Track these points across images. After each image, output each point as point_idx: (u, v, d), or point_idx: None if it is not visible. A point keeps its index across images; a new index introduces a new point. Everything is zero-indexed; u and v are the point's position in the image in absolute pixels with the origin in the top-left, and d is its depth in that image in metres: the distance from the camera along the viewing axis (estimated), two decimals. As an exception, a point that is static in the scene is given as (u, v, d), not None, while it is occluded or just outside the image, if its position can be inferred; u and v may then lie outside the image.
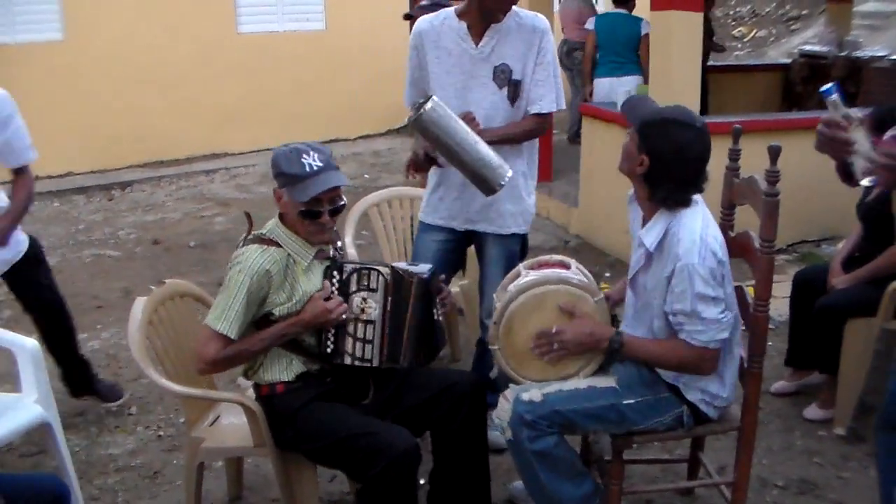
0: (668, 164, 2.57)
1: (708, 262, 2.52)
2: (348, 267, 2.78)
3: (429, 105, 2.96)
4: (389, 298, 2.76)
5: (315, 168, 2.68)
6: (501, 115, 3.33)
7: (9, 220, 3.65)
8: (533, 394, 2.67)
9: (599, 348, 2.67)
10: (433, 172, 3.52)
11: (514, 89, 3.32)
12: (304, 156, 2.69)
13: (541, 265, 2.91)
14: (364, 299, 2.75)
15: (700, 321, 2.54)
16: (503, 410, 2.68)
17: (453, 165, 3.14)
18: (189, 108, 10.03)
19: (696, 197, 2.65)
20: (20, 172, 3.73)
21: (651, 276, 2.66)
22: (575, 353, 2.69)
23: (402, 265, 2.83)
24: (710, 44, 9.78)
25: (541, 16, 3.37)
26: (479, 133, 3.11)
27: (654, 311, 2.67)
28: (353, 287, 2.76)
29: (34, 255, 3.84)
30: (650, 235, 2.62)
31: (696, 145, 2.57)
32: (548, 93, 3.34)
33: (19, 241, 3.77)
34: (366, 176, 9.26)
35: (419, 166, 3.44)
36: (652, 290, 2.66)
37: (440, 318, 2.87)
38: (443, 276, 2.98)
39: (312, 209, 2.70)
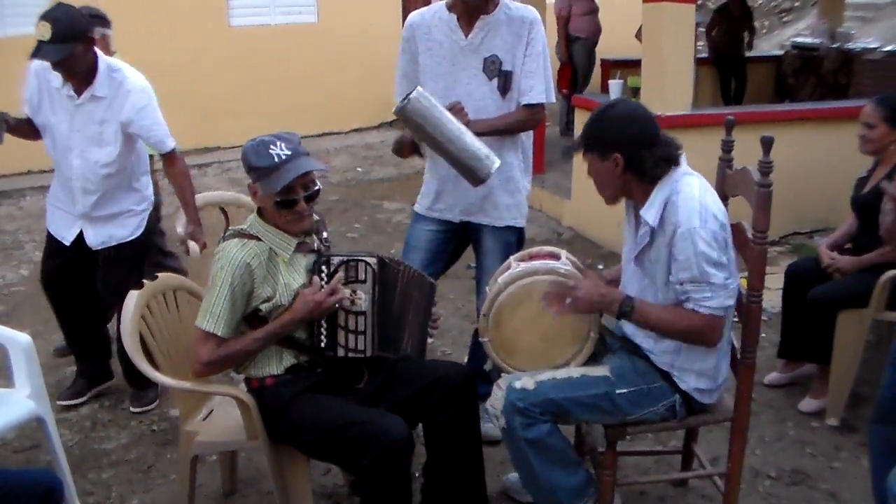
0: (632, 138, 2.60)
1: (710, 225, 2.52)
2: (335, 259, 2.77)
3: (413, 95, 2.95)
4: (377, 287, 2.77)
5: (283, 157, 2.67)
6: (493, 106, 3.32)
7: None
8: (525, 381, 2.67)
9: (610, 310, 2.65)
10: (430, 165, 3.52)
11: (504, 80, 3.31)
12: (272, 147, 2.68)
13: (531, 257, 2.92)
14: (354, 291, 2.75)
15: (708, 286, 2.54)
16: (496, 399, 2.69)
17: (439, 155, 3.12)
18: (181, 101, 9.94)
19: (693, 171, 2.67)
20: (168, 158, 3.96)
21: (654, 249, 2.65)
22: (583, 311, 2.66)
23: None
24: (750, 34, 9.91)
25: (531, 7, 3.36)
26: (468, 124, 3.09)
27: (658, 284, 2.67)
28: (342, 279, 2.76)
29: (129, 252, 3.94)
30: (651, 212, 2.61)
31: (634, 106, 2.69)
32: (538, 83, 3.34)
33: (135, 229, 3.96)
34: (358, 169, 9.25)
35: (403, 153, 3.40)
36: (655, 263, 2.66)
37: (431, 331, 2.91)
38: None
39: (287, 198, 2.69)
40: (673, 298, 2.64)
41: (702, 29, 10.59)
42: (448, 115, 3.01)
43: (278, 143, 2.69)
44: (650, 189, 2.64)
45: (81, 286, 4.03)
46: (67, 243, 3.92)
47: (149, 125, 3.80)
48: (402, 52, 3.45)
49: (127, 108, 3.73)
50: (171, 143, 3.90)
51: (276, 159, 2.66)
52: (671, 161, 2.62)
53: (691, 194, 2.56)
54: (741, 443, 2.81)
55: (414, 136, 3.20)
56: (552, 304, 2.66)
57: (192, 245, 3.92)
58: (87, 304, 4.09)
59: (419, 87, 3.01)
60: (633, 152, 2.59)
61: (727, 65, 9.70)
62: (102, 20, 4.48)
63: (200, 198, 4.16)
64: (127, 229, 3.94)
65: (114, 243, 3.91)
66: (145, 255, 4.04)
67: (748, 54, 9.83)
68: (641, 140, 2.60)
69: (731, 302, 2.60)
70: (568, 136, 9.08)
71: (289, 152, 2.68)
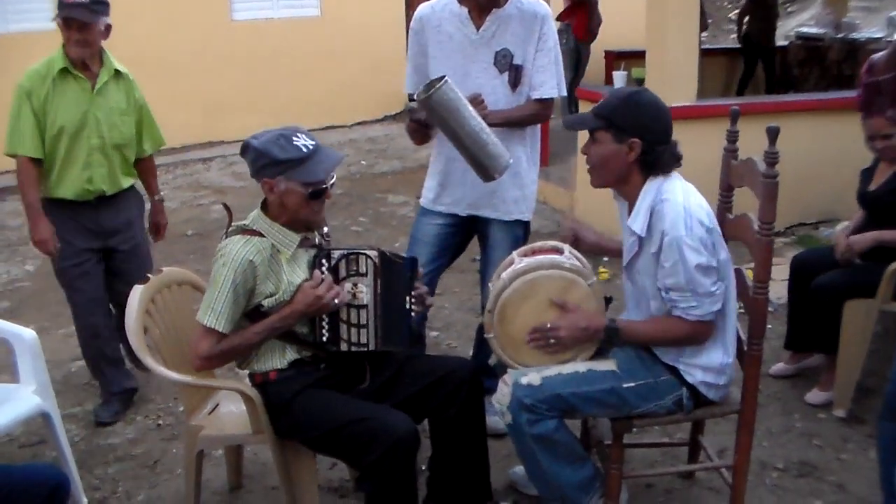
0: (657, 130, 2.61)
1: (696, 231, 2.52)
2: (336, 253, 2.75)
3: (441, 85, 2.89)
4: (379, 281, 2.75)
5: (311, 147, 2.65)
6: (503, 100, 3.30)
7: None
8: (532, 377, 2.66)
9: (597, 338, 2.67)
10: (434, 159, 3.50)
11: (515, 74, 3.30)
12: (294, 138, 2.64)
13: (534, 252, 2.90)
14: (355, 284, 2.74)
15: (693, 295, 2.54)
16: (503, 394, 2.68)
17: (454, 147, 3.09)
18: (184, 95, 9.99)
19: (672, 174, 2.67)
20: None
21: (642, 258, 2.66)
22: (570, 347, 2.70)
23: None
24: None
25: (542, 2, 3.35)
26: (486, 115, 3.08)
27: (649, 292, 2.68)
28: (343, 273, 2.74)
29: None
30: (637, 222, 2.62)
31: (659, 99, 2.66)
32: (549, 78, 3.33)
33: None
34: (362, 162, 9.24)
35: (420, 136, 3.32)
36: (644, 273, 2.67)
37: (412, 309, 2.84)
38: (422, 270, 2.99)
39: (320, 188, 2.67)
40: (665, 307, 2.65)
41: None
42: (470, 108, 2.98)
43: (299, 135, 2.66)
44: (641, 185, 2.65)
45: None
46: None
47: None
48: (412, 46, 3.42)
49: None
50: None
51: (305, 150, 2.64)
52: (677, 160, 2.64)
53: (675, 201, 2.56)
54: (748, 435, 2.80)
55: (433, 124, 3.14)
56: (538, 346, 2.69)
57: None
58: None
59: (447, 78, 2.94)
60: (652, 143, 2.60)
61: (756, 54, 9.60)
62: None
63: None
64: None
65: None
66: None
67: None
68: (664, 134, 2.62)
69: (718, 306, 2.60)
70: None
71: (313, 142, 2.67)
